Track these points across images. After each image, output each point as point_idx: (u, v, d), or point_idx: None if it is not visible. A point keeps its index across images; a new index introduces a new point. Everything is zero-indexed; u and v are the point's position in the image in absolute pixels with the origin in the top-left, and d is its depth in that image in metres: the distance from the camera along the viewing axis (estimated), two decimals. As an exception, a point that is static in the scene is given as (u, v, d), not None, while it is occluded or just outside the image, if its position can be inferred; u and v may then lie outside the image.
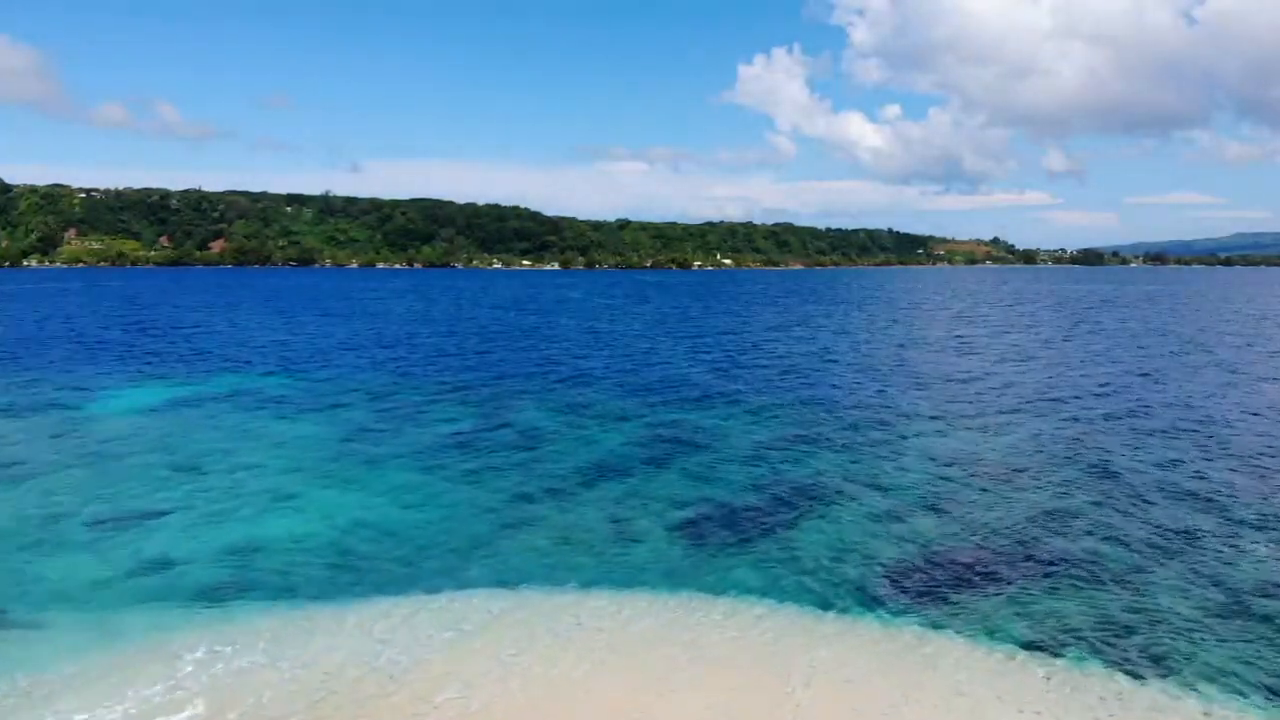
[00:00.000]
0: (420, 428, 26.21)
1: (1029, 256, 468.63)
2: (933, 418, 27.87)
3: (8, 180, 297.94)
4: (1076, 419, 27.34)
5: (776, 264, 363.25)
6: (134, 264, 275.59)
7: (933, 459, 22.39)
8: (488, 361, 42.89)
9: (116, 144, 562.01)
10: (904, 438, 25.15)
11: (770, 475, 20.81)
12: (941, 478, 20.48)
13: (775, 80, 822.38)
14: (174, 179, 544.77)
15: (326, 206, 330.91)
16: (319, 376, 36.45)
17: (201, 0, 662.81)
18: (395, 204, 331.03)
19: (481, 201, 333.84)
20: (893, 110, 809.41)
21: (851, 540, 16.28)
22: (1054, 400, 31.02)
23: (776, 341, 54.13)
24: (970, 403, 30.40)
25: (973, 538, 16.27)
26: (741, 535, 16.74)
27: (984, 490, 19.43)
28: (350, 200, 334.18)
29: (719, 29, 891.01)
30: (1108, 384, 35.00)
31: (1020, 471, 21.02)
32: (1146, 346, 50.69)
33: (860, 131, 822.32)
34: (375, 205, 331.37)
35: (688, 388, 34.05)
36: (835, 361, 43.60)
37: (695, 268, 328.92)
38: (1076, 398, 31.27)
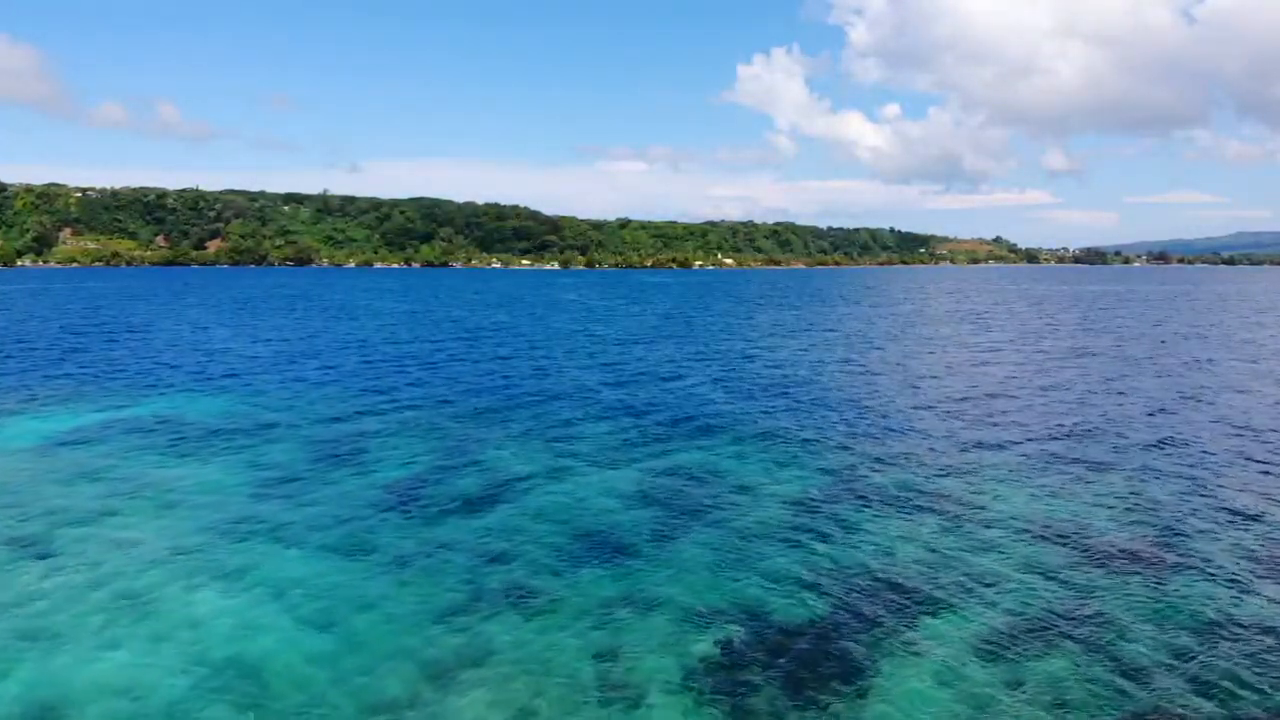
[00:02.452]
0: (357, 474, 20.68)
1: (1032, 256, 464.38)
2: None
3: (5, 180, 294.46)
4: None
5: (778, 263, 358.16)
6: (129, 264, 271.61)
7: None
8: (458, 375, 37.45)
9: (116, 144, 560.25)
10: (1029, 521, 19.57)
11: (828, 568, 15.07)
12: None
13: (774, 80, 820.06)
14: (173, 179, 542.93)
15: (324, 206, 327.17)
16: (260, 395, 31.00)
17: (202, 0, 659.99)
18: (394, 203, 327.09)
19: (481, 201, 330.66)
20: (892, 109, 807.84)
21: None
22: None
23: (798, 351, 48.52)
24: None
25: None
26: (799, 696, 10.83)
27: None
28: (348, 200, 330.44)
29: (718, 29, 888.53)
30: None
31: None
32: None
33: (860, 131, 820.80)
34: (374, 204, 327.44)
35: (699, 414, 28.55)
36: (886, 383, 37.75)
37: (696, 267, 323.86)
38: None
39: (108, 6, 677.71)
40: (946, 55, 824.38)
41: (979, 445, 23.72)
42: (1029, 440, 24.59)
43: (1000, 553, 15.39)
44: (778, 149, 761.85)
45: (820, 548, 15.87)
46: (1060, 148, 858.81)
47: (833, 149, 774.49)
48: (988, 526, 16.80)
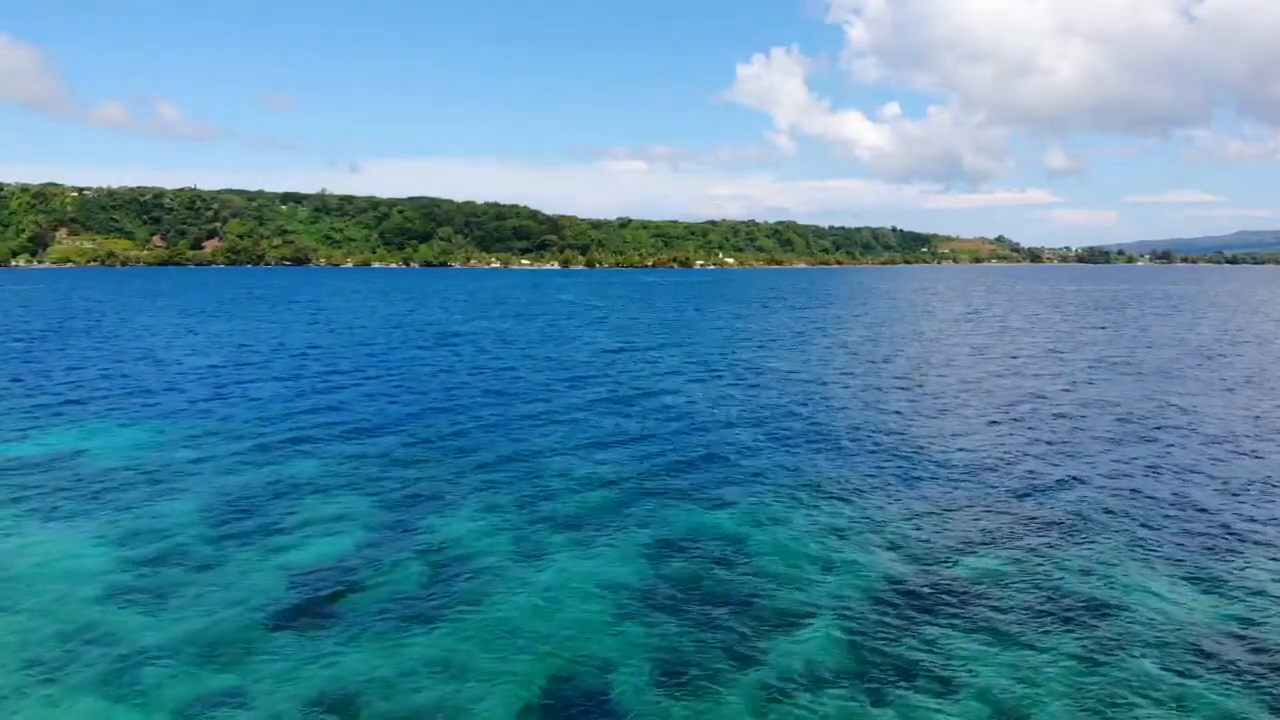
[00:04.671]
0: (263, 554, 15.72)
1: (1035, 255, 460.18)
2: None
3: (4, 180, 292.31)
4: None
5: (780, 263, 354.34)
6: (124, 264, 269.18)
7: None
8: (422, 394, 32.71)
9: (116, 143, 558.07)
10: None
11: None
12: None
13: (774, 79, 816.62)
14: (173, 179, 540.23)
15: (322, 205, 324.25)
16: (181, 424, 26.22)
17: (202, 0, 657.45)
18: (392, 202, 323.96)
19: (480, 200, 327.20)
20: (892, 109, 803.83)
21: None
22: None
23: (823, 372, 43.99)
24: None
25: None
26: None
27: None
28: (347, 199, 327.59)
29: (717, 28, 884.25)
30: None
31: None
32: None
33: (860, 130, 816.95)
34: (372, 204, 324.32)
35: (715, 453, 23.54)
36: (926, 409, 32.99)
37: (697, 267, 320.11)
38: None
39: (108, 6, 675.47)
40: (946, 54, 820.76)
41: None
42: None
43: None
44: (778, 148, 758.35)
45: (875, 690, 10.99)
46: (1060, 147, 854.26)
47: (833, 148, 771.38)
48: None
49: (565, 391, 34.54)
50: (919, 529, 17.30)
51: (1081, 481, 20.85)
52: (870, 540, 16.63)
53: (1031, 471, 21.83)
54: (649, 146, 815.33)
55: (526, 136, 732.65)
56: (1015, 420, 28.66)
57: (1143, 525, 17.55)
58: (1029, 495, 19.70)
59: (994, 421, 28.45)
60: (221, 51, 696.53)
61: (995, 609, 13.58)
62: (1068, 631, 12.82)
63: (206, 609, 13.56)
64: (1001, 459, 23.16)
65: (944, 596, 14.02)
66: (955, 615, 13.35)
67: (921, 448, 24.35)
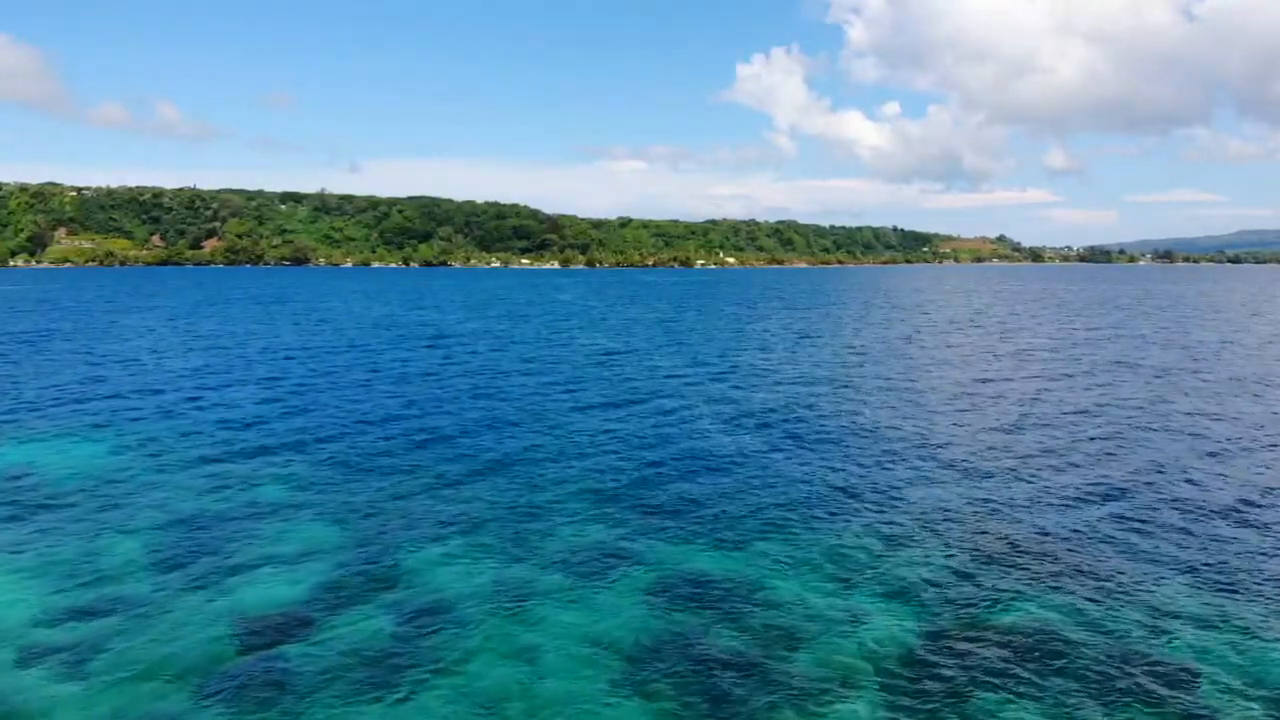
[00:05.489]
0: (212, 599, 13.54)
1: (1036, 255, 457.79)
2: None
3: (3, 179, 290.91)
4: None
5: (781, 262, 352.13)
6: (123, 263, 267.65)
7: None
8: (405, 403, 30.36)
9: (116, 143, 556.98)
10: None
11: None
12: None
13: (774, 79, 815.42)
14: (173, 178, 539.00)
15: (322, 205, 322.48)
16: (144, 436, 24.32)
17: (202, 0, 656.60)
18: (392, 202, 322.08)
19: (480, 199, 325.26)
20: (892, 108, 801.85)
21: None
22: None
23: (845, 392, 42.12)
24: None
25: None
26: None
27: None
28: (346, 198, 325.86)
29: (717, 28, 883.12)
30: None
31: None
32: None
33: (860, 129, 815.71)
34: (372, 203, 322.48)
35: (716, 482, 21.52)
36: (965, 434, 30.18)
37: (698, 266, 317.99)
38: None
39: (107, 6, 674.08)
40: (946, 54, 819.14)
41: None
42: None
43: None
44: (778, 148, 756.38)
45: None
46: (1060, 146, 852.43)
47: (833, 148, 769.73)
48: None
49: (558, 399, 32.56)
50: (958, 570, 15.32)
51: (1137, 522, 18.86)
52: (900, 584, 14.64)
53: (1084, 501, 19.83)
54: (649, 146, 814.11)
55: (526, 136, 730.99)
56: (1075, 447, 26.65)
57: (1223, 591, 15.57)
58: (1082, 533, 17.70)
59: (1049, 449, 26.45)
60: (221, 51, 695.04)
61: (1055, 673, 11.59)
62: (1141, 703, 10.84)
63: (132, 673, 11.60)
64: (1049, 489, 21.17)
65: (992, 657, 12.03)
66: (1009, 681, 11.36)
67: (960, 475, 22.35)
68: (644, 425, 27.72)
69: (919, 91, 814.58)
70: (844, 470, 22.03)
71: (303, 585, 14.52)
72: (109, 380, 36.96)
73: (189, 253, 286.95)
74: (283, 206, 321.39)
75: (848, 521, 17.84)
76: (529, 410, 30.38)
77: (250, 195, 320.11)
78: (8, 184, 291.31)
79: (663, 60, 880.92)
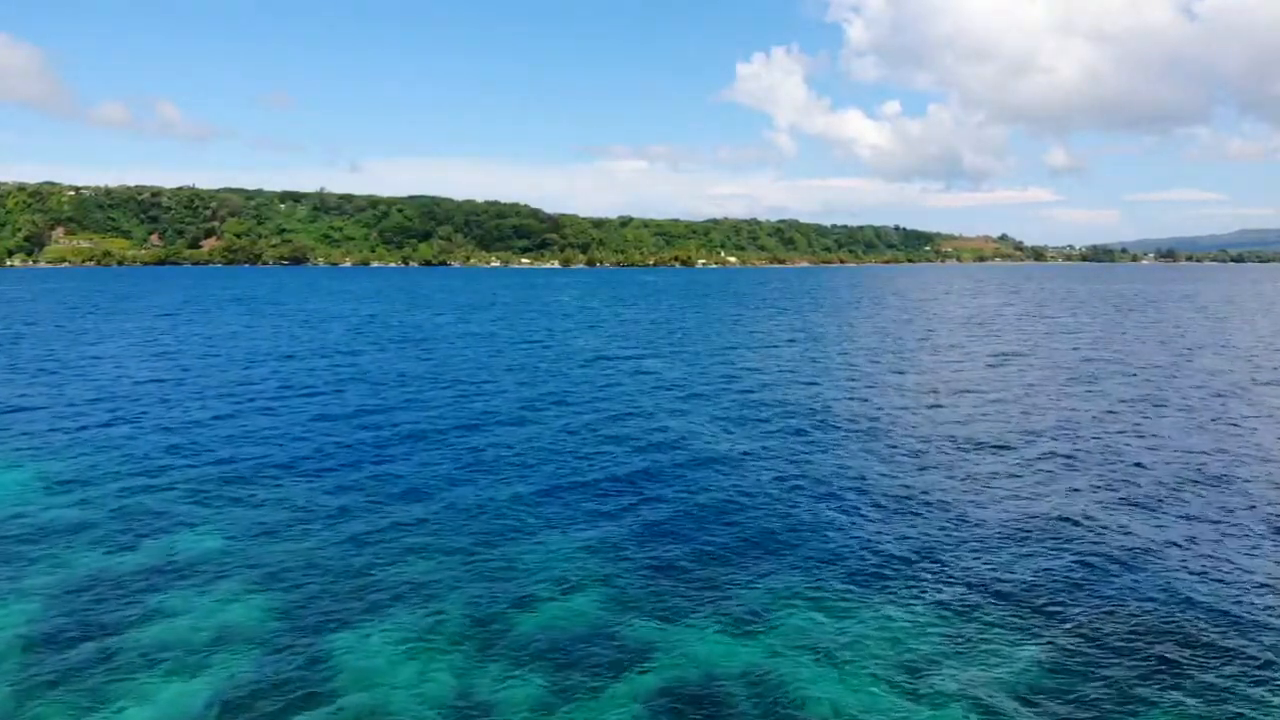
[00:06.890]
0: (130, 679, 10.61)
1: (1038, 254, 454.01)
2: None
3: (2, 179, 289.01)
4: None
5: (783, 262, 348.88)
6: (121, 263, 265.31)
7: None
8: (374, 431, 26.41)
9: (115, 143, 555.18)
10: None
11: None
12: None
13: (774, 78, 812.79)
14: (173, 178, 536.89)
15: (321, 204, 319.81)
16: (75, 465, 20.96)
17: (202, 0, 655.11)
18: (392, 201, 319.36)
19: (480, 199, 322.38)
20: (892, 107, 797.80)
21: None
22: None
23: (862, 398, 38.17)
24: None
25: None
26: None
27: None
28: (346, 198, 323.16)
29: (716, 27, 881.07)
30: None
31: None
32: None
33: (860, 129, 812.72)
34: (371, 202, 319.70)
35: (726, 535, 18.52)
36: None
37: (699, 265, 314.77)
38: None
39: (108, 6, 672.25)
40: (946, 53, 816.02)
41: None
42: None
43: None
44: (778, 147, 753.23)
45: None
46: (1061, 145, 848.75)
47: (833, 147, 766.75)
48: None
49: (549, 419, 29.20)
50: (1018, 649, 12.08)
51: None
52: (956, 679, 11.41)
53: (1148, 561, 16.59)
54: (649, 146, 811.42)
55: (527, 136, 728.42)
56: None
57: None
58: (1156, 599, 14.46)
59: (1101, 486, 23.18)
60: (221, 51, 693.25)
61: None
62: None
63: None
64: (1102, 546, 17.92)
65: None
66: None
67: (1006, 524, 19.11)
68: (644, 455, 24.39)
69: (919, 90, 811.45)
70: (875, 516, 18.76)
71: (200, 695, 11.28)
72: (62, 395, 33.68)
73: (187, 252, 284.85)
74: (282, 206, 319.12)
75: (882, 586, 14.59)
76: (516, 435, 27.05)
77: (249, 195, 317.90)
78: (5, 183, 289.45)
79: (663, 60, 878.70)
